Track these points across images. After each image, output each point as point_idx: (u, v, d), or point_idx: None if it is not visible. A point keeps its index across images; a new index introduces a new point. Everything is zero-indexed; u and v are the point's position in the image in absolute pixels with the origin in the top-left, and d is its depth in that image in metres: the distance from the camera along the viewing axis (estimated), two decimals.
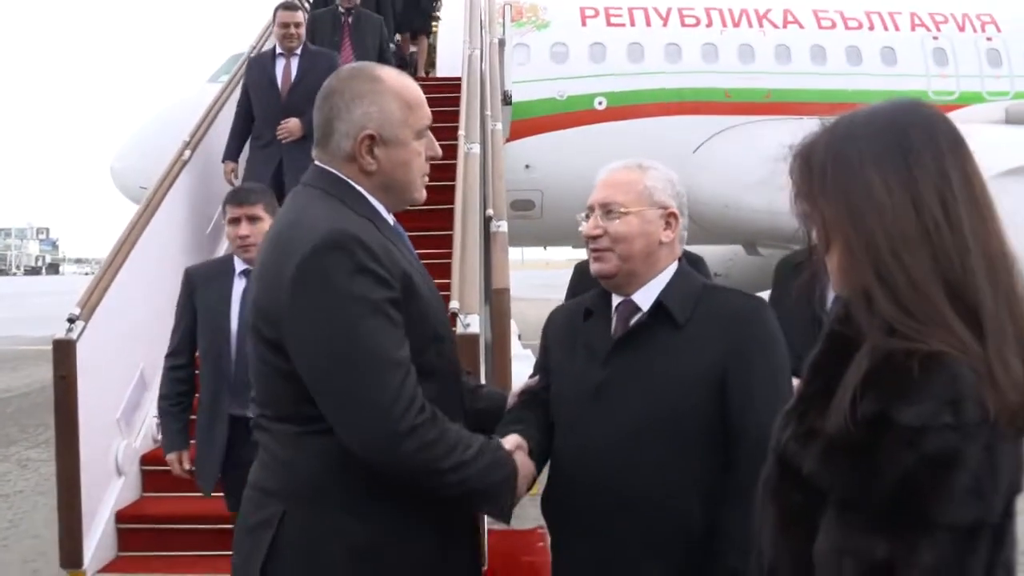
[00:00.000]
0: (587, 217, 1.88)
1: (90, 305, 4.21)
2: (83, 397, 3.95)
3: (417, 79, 2.09)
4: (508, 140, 9.61)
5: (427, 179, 1.81)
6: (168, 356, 3.40)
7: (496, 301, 3.97)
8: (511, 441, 1.78)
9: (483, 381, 3.56)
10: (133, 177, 10.70)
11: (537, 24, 11.31)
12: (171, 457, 3.31)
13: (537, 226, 11.31)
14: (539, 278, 33.74)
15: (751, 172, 9.70)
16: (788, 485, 1.16)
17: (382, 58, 6.82)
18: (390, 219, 1.78)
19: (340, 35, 6.96)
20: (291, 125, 5.60)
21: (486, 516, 3.02)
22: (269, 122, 5.69)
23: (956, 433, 1.01)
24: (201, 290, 3.30)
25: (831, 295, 1.50)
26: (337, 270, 1.55)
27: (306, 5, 8.33)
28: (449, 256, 4.64)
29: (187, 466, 3.31)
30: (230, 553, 1.74)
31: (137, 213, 5.25)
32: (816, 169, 1.16)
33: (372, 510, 1.61)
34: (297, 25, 5.83)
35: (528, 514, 2.46)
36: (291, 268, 1.56)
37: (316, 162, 1.76)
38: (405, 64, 8.92)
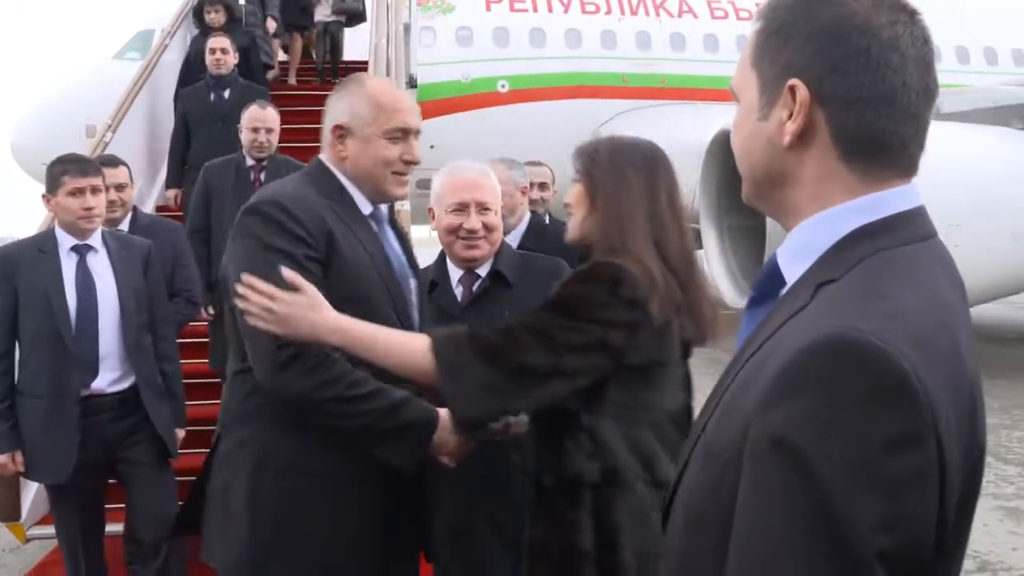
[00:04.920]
0: (456, 212, 2.26)
1: None
2: None
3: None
4: None
5: (403, 178, 2.00)
6: None
7: None
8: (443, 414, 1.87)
9: None
10: (35, 153, 10.51)
11: (443, 8, 11.61)
12: (3, 459, 3.01)
13: None
14: None
15: None
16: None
17: None
18: (365, 208, 2.01)
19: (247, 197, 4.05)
20: None
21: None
22: None
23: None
24: (24, 271, 3.02)
25: None
26: (258, 226, 1.85)
27: None
28: None
29: (21, 467, 3.04)
30: None
31: None
32: (598, 159, 1.90)
33: (283, 435, 1.90)
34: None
35: None
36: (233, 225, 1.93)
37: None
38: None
